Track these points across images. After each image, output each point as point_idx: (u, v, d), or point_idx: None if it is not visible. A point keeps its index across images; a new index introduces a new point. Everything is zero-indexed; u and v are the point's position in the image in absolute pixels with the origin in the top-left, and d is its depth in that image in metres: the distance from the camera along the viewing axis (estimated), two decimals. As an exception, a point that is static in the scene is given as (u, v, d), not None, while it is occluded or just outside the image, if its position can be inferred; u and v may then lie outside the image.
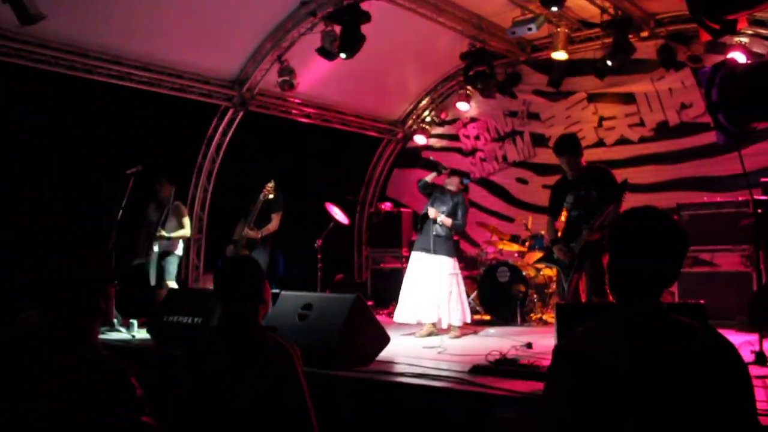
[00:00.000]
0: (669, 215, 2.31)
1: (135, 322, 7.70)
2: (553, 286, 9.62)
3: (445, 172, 8.20)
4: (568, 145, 6.74)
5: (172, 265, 8.78)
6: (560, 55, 10.23)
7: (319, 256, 9.85)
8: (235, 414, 3.02)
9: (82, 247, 2.81)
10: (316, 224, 10.18)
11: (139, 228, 8.81)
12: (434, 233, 7.89)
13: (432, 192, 8.18)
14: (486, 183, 12.74)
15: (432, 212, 7.91)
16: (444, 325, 7.82)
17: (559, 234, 6.86)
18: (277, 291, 7.79)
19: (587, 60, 10.91)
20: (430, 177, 8.23)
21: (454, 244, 8.23)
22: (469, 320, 8.11)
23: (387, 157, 13.81)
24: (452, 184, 8.15)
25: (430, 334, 7.79)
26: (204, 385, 3.12)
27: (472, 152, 12.95)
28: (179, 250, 8.91)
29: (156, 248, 8.52)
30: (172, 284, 8.65)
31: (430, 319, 7.83)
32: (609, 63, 9.91)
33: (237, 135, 11.17)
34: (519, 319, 9.28)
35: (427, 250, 7.88)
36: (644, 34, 10.01)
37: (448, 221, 7.88)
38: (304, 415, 3.10)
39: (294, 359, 3.13)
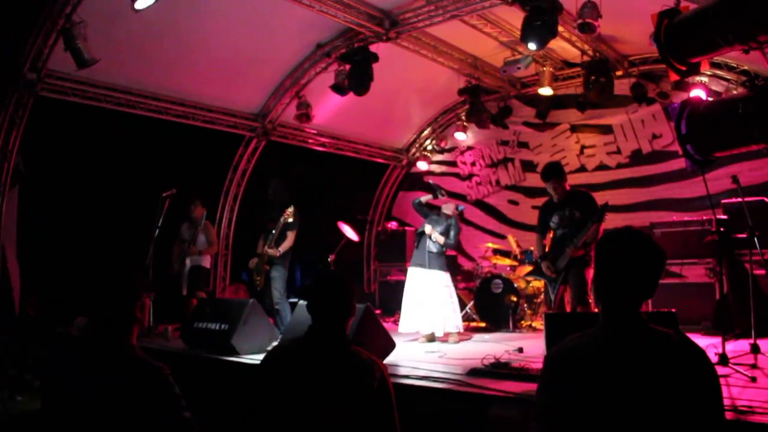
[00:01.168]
0: (648, 235, 2.29)
1: (169, 328, 7.67)
2: (542, 296, 9.59)
3: (443, 196, 8.16)
4: (554, 171, 6.71)
5: (202, 277, 8.77)
6: (546, 91, 10.24)
7: (332, 269, 9.79)
8: (326, 423, 2.77)
9: (123, 261, 2.81)
10: (329, 241, 10.15)
11: (173, 244, 8.82)
12: (428, 250, 7.85)
13: (429, 213, 8.13)
14: (481, 204, 12.72)
15: (428, 228, 7.86)
16: (441, 333, 7.75)
17: (547, 249, 6.81)
18: (294, 300, 7.79)
19: (570, 95, 10.92)
20: (425, 198, 8.18)
21: (446, 259, 8.18)
22: (461, 329, 8.02)
23: (393, 181, 13.79)
24: (448, 208, 8.08)
25: (430, 341, 7.74)
26: (291, 393, 2.83)
27: (469, 177, 12.92)
28: (208, 264, 8.89)
29: (188, 262, 8.51)
30: (201, 294, 8.61)
31: (429, 329, 7.77)
32: (588, 98, 10.02)
33: (260, 162, 11.18)
34: (511, 326, 9.22)
35: (423, 265, 7.85)
36: (619, 72, 10.02)
37: (441, 239, 7.81)
38: (390, 424, 2.88)
39: (385, 374, 2.90)
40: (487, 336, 8.66)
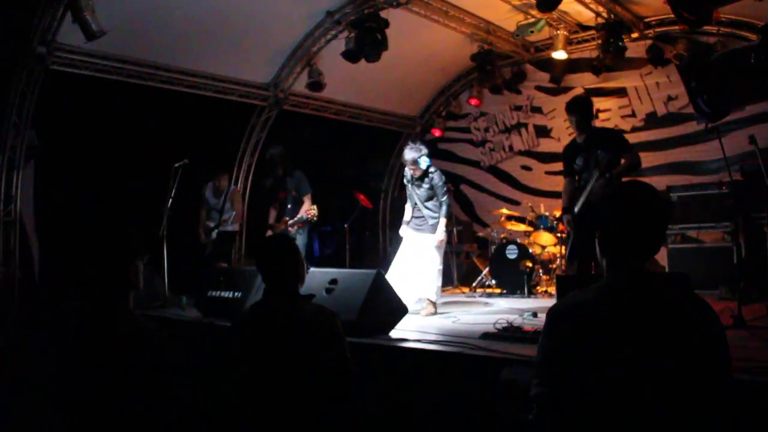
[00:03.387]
0: (652, 189, 2.27)
1: (185, 298, 7.73)
2: (557, 261, 9.57)
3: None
4: (579, 104, 6.21)
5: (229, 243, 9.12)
6: (560, 55, 10.13)
7: (347, 237, 9.88)
8: (285, 375, 3.05)
9: (117, 225, 2.80)
10: (344, 210, 10.17)
11: (199, 209, 9.04)
12: (417, 215, 7.48)
13: (407, 188, 7.59)
14: (494, 170, 12.69)
15: (438, 237, 7.22)
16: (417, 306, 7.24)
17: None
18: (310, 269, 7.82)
19: (584, 59, 10.81)
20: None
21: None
22: (434, 299, 7.26)
23: None
24: (415, 168, 7.28)
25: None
26: (253, 350, 3.15)
27: (482, 143, 12.87)
28: (236, 227, 9.35)
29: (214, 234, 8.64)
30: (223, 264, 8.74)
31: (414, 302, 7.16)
32: (604, 61, 9.94)
33: (272, 132, 11.14)
34: (526, 292, 9.24)
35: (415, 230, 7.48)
36: (634, 35, 9.86)
37: (442, 226, 7.22)
38: (348, 373, 3.16)
39: (336, 320, 3.20)
40: (502, 301, 8.70)
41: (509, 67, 11.73)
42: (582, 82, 11.21)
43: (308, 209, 7.67)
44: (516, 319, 5.93)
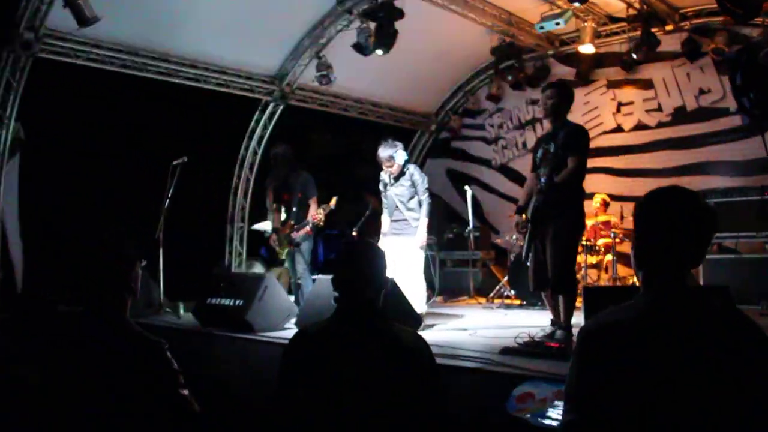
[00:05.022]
0: (696, 194, 2.20)
1: (182, 305, 7.71)
2: (583, 271, 9.49)
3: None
4: (565, 87, 6.05)
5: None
6: (587, 49, 10.04)
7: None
8: (366, 405, 2.62)
9: (114, 229, 2.77)
10: (352, 214, 10.11)
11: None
12: (396, 218, 7.32)
13: (384, 190, 7.43)
14: (505, 169, 12.64)
15: (420, 240, 7.08)
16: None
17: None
18: (315, 277, 7.81)
19: (613, 53, 10.74)
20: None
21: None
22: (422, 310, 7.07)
23: (420, 149, 13.71)
24: (391, 164, 7.17)
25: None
26: (323, 386, 2.67)
27: (495, 140, 12.83)
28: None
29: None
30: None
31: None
32: (634, 56, 9.86)
33: (277, 128, 11.12)
34: (545, 303, 9.11)
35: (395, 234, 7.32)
36: (669, 27, 9.76)
37: (424, 227, 7.10)
38: (442, 409, 2.81)
39: (428, 349, 2.79)
40: (522, 313, 8.64)
41: (532, 61, 11.69)
42: (608, 76, 11.13)
43: (315, 213, 7.66)
44: (538, 333, 5.85)
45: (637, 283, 8.06)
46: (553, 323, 5.86)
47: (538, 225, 5.68)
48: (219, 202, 11.09)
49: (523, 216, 5.88)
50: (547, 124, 6.17)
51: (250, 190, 11.26)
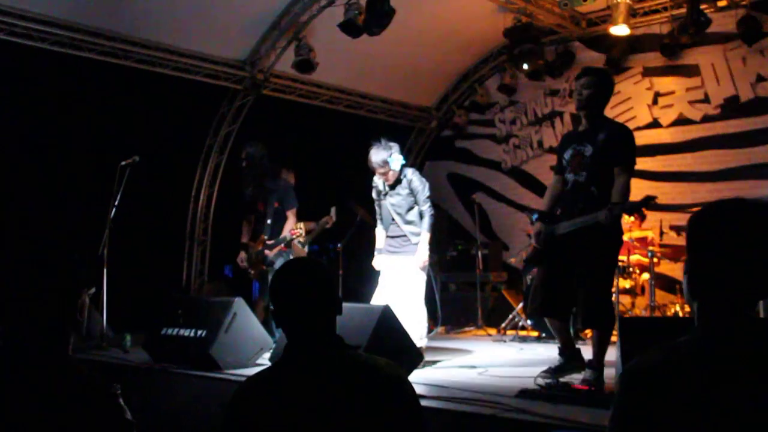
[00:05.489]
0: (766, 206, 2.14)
1: (128, 337, 7.68)
2: (616, 297, 9.43)
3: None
4: (605, 75, 6.01)
5: None
6: (621, 30, 10.02)
7: (340, 261, 9.82)
8: None
9: (57, 251, 2.69)
10: (337, 225, 10.09)
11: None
12: (392, 234, 7.31)
13: (378, 199, 7.41)
14: (517, 173, 12.66)
15: (420, 259, 7.03)
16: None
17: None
18: None
19: (650, 35, 10.78)
20: None
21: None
22: (423, 340, 7.06)
23: (419, 149, 13.78)
24: (386, 170, 7.07)
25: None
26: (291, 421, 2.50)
27: (506, 138, 12.87)
28: None
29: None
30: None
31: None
32: (678, 39, 9.87)
33: (248, 123, 11.13)
34: (573, 335, 9.05)
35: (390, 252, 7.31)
36: (722, 3, 9.76)
37: (425, 243, 7.07)
38: None
39: (409, 384, 2.64)
40: (540, 347, 8.59)
41: (552, 45, 11.73)
42: (644, 63, 11.13)
43: (293, 228, 7.64)
44: (548, 374, 5.76)
45: (681, 314, 8.04)
46: (562, 353, 5.78)
47: (566, 241, 5.58)
48: (177, 211, 11.08)
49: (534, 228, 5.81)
50: (565, 117, 6.06)
51: (214, 198, 11.26)
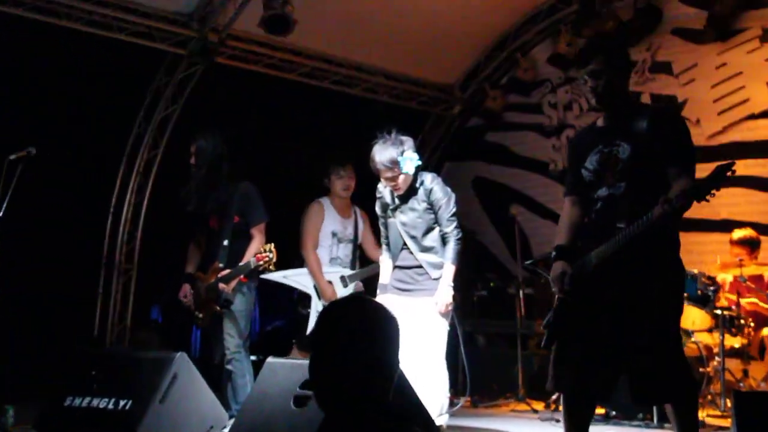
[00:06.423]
0: None
1: (11, 410, 7.68)
2: (717, 361, 9.32)
3: None
4: (604, 46, 6.00)
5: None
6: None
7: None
8: None
9: None
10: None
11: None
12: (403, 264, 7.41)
13: (383, 216, 7.62)
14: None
15: (442, 301, 7.10)
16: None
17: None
18: (254, 358, 7.71)
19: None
20: None
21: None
22: (444, 411, 7.28)
23: (435, 145, 13.89)
24: (395, 175, 7.15)
25: None
26: None
27: (558, 130, 12.95)
28: None
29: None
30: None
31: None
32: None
33: (194, 102, 11.09)
34: (655, 416, 8.92)
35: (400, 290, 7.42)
36: None
37: (449, 278, 7.14)
38: None
39: None
40: (609, 430, 8.57)
41: (631, -1, 11.79)
42: (764, 23, 11.10)
43: (259, 253, 7.57)
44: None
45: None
46: None
47: (606, 276, 5.44)
48: (89, 228, 10.99)
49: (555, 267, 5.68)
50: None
51: (143, 209, 11.21)
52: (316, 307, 8.40)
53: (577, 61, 12.14)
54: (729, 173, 4.90)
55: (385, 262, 7.47)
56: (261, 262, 7.47)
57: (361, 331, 2.91)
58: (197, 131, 8.15)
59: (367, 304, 3.15)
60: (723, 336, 9.16)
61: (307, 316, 8.65)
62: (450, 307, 7.09)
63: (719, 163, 4.91)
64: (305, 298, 8.83)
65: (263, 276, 8.19)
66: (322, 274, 8.53)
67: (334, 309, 3.10)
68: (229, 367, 7.70)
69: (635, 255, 5.25)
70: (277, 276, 8.51)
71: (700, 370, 9.50)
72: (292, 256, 8.69)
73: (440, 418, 6.99)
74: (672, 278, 5.46)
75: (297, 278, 8.86)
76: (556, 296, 5.62)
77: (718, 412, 8.80)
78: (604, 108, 5.70)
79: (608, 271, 5.35)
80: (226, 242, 7.84)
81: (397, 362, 3.01)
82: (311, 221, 8.76)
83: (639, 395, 5.49)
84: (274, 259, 7.51)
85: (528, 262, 5.94)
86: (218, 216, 7.95)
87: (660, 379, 5.29)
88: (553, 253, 5.74)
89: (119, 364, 7.21)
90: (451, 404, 7.97)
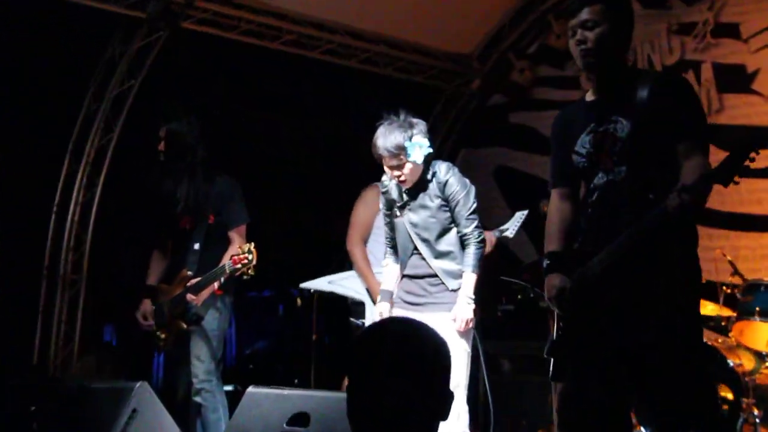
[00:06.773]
0: None
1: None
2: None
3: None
4: None
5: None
6: None
7: (312, 315, 9.74)
8: None
9: None
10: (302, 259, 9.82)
11: None
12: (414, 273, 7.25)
13: (389, 215, 7.48)
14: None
15: (461, 317, 6.92)
16: None
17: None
18: (229, 388, 7.37)
19: None
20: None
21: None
22: None
23: (449, 128, 13.83)
24: (401, 164, 7.00)
25: None
26: None
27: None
28: None
29: None
30: None
31: None
32: None
33: (155, 79, 10.90)
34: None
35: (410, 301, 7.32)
36: None
37: (469, 291, 6.97)
38: None
39: None
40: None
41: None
42: None
43: (238, 255, 7.32)
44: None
45: None
46: None
47: (611, 287, 5.14)
48: (27, 231, 10.85)
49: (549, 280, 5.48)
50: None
51: (94, 207, 10.99)
52: (372, 316, 8.06)
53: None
54: (756, 150, 4.68)
55: (389, 267, 7.33)
56: (238, 266, 7.24)
57: (407, 356, 2.93)
58: (167, 111, 8.01)
59: (416, 325, 3.15)
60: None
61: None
62: (471, 325, 6.98)
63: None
64: (358, 306, 8.62)
65: (303, 285, 8.40)
66: (373, 274, 8.25)
67: (377, 329, 3.19)
68: (197, 399, 7.69)
69: (639, 251, 5.06)
70: (321, 283, 8.48)
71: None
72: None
73: None
74: (680, 275, 5.19)
75: (345, 282, 8.70)
76: (556, 315, 5.45)
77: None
78: (591, 71, 5.42)
79: (614, 280, 5.12)
80: (197, 246, 7.79)
81: (450, 397, 3.00)
82: (364, 209, 8.61)
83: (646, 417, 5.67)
84: (254, 262, 7.25)
85: (523, 270, 5.60)
86: (192, 215, 7.87)
87: (689, 403, 5.09)
88: (546, 262, 5.57)
89: (65, 397, 6.91)
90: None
